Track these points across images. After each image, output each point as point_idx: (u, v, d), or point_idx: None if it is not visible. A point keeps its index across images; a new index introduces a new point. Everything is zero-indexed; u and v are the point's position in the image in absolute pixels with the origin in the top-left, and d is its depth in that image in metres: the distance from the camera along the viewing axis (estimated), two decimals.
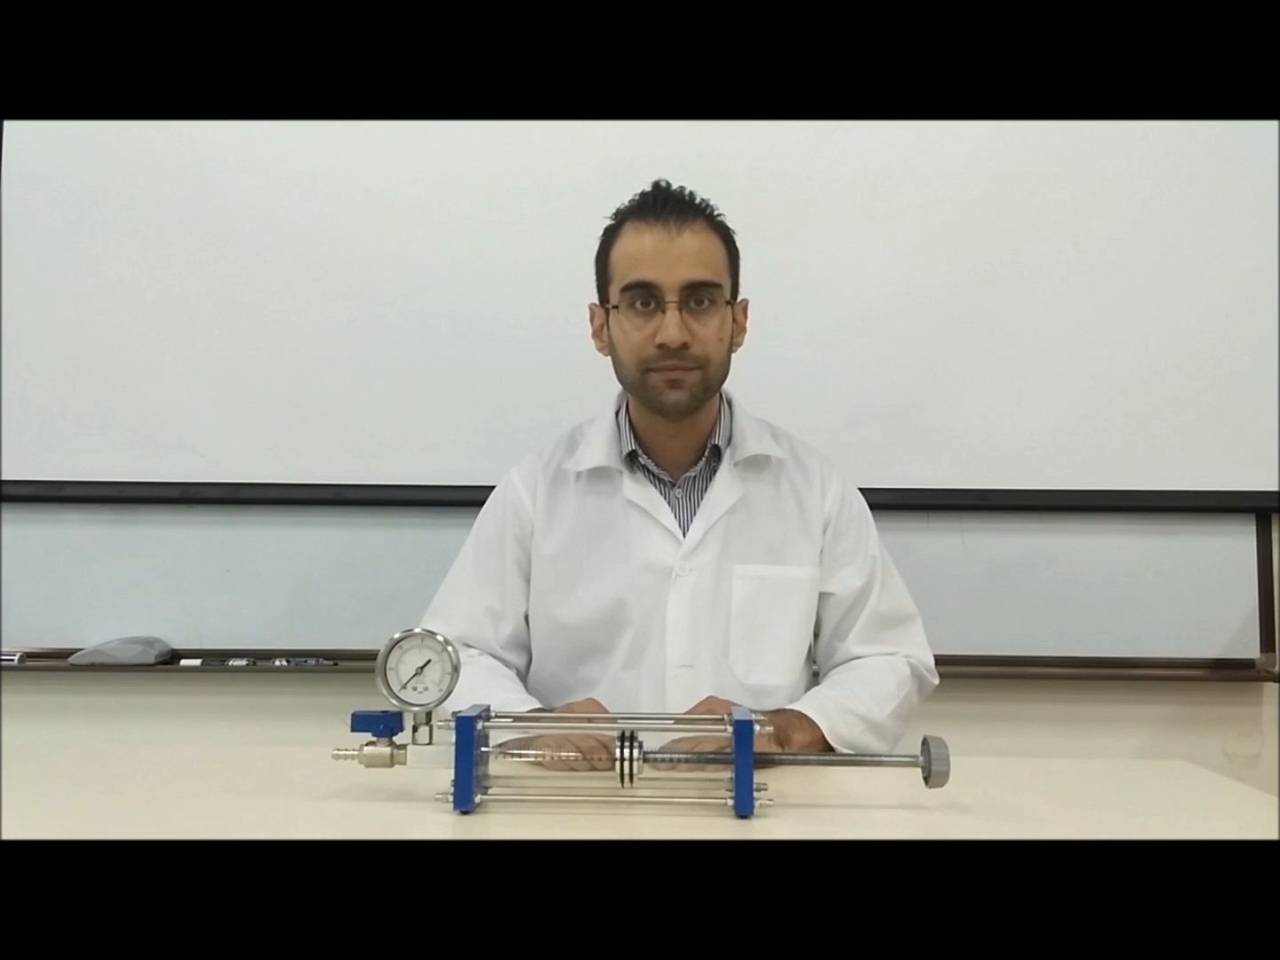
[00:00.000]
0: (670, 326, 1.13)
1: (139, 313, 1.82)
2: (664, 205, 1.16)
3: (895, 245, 1.80)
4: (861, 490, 1.32)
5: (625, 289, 1.16)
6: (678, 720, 1.00)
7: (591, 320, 1.25)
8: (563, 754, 0.93)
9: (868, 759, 0.92)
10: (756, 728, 0.81)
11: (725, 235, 1.21)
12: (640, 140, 1.68)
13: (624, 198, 1.21)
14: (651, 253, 1.14)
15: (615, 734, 0.85)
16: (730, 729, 0.82)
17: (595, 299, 1.25)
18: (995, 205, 1.80)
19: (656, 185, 1.20)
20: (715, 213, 1.20)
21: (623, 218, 1.20)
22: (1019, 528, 1.82)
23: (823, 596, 1.25)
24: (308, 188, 1.81)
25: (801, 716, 1.11)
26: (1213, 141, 1.78)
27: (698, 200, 1.20)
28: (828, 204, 1.80)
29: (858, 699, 1.15)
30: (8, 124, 1.80)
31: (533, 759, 0.95)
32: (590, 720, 1.03)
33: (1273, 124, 1.76)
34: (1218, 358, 1.79)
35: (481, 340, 1.80)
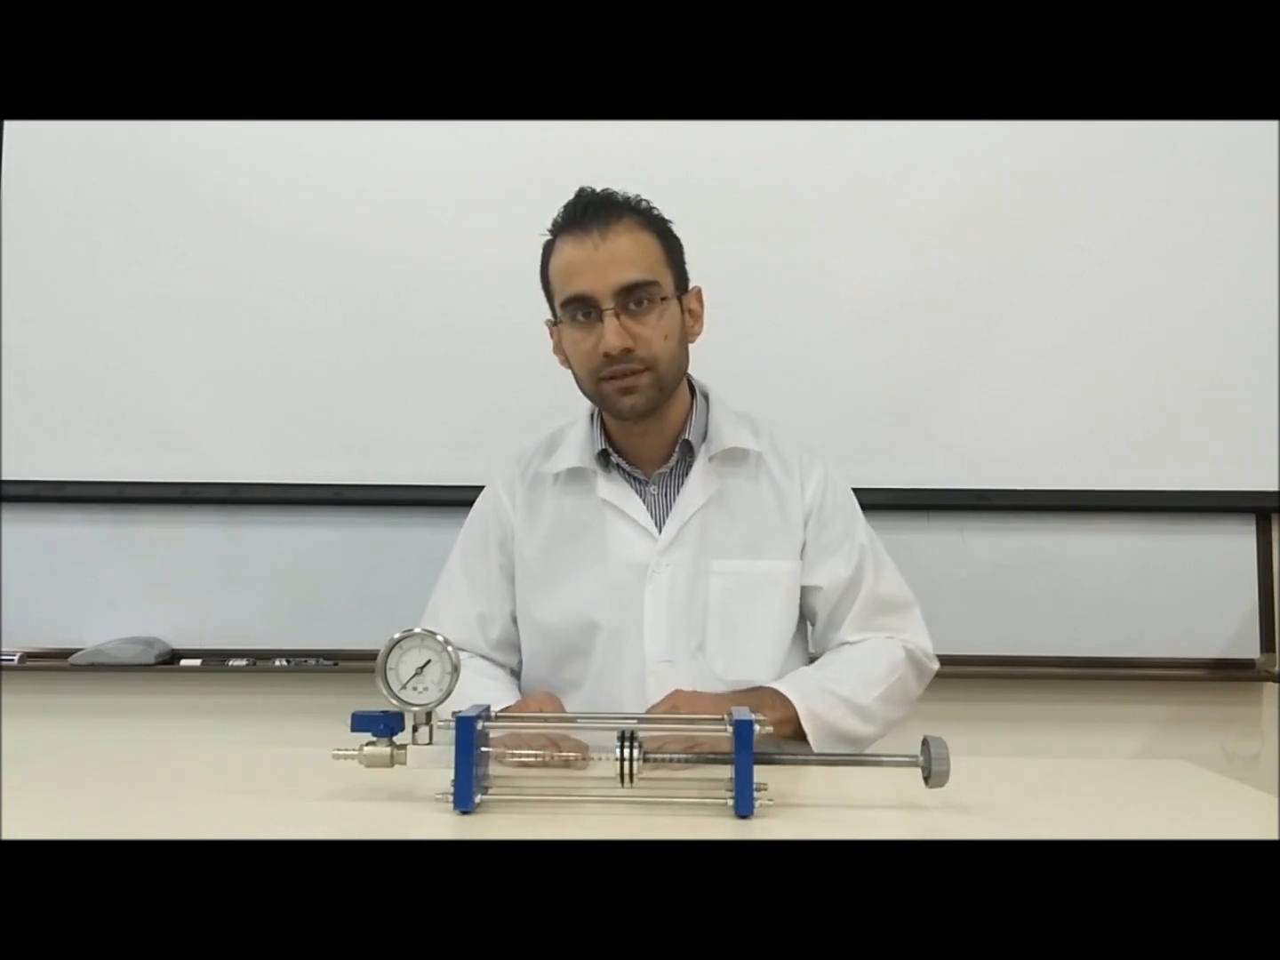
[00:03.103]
0: (609, 334, 1.12)
1: (139, 312, 1.82)
2: (585, 213, 1.14)
3: (895, 246, 1.80)
4: (861, 490, 1.32)
5: (564, 304, 1.16)
6: (642, 718, 0.99)
7: (551, 337, 1.25)
8: (562, 754, 0.93)
9: (868, 759, 0.91)
10: (757, 728, 0.81)
11: (659, 228, 1.18)
12: (639, 140, 1.67)
13: None
14: (581, 263, 1.13)
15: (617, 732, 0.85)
16: (730, 728, 0.82)
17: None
18: (995, 206, 1.80)
19: (580, 193, 1.18)
20: (646, 206, 1.19)
21: (554, 233, 1.18)
22: (1019, 528, 1.81)
23: (811, 590, 1.24)
24: (307, 187, 1.81)
25: (775, 693, 1.10)
26: (1213, 141, 1.78)
27: (621, 199, 1.17)
28: (827, 205, 1.80)
29: (842, 680, 1.15)
30: (8, 124, 1.80)
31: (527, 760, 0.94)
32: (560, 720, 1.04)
33: (1273, 124, 1.76)
34: (1217, 358, 1.79)
35: (482, 340, 1.80)
